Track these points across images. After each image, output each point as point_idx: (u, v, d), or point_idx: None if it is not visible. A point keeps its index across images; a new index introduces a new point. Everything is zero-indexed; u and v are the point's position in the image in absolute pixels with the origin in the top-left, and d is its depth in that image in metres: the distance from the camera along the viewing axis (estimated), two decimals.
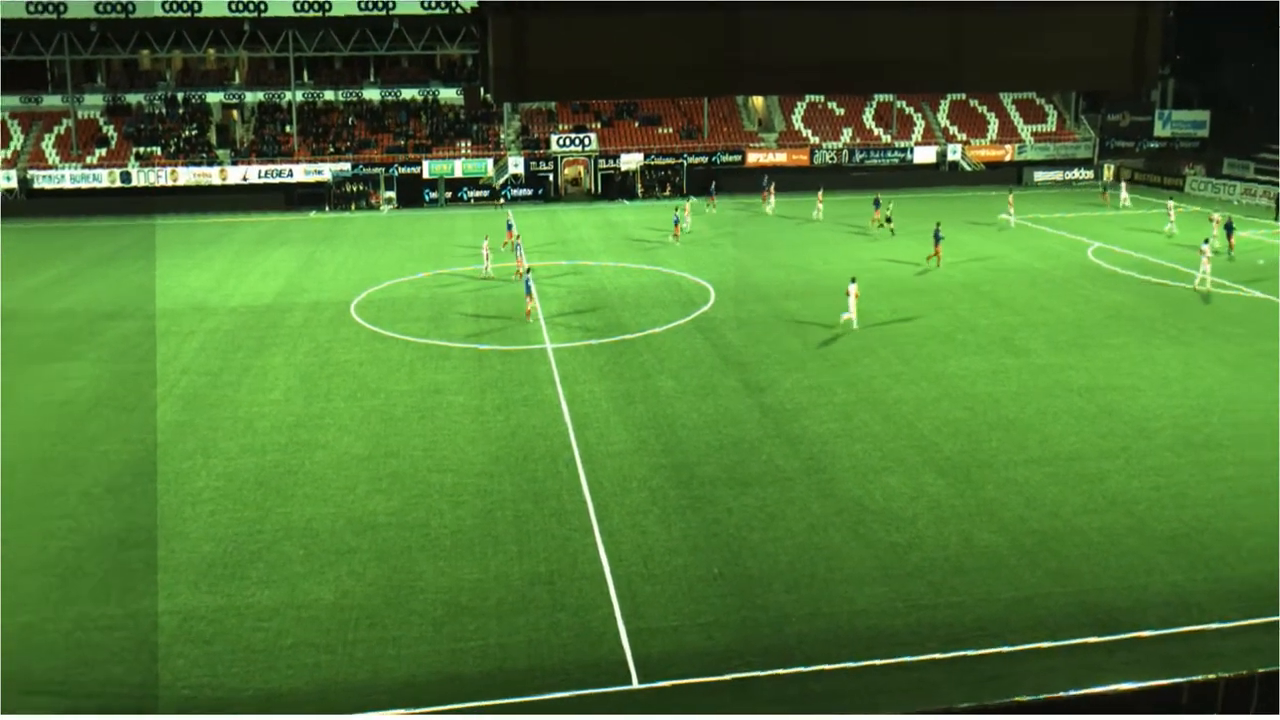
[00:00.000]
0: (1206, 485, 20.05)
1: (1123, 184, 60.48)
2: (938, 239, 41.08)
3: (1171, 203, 49.53)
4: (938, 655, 14.68)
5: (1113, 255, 42.67)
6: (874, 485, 20.23)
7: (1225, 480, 20.24)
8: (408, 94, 68.48)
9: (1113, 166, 67.84)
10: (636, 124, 67.70)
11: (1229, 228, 42.81)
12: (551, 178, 63.74)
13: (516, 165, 62.70)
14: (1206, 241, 37.45)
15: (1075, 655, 14.67)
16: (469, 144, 64.86)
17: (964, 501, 19.49)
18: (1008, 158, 68.66)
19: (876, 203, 52.17)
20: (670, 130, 67.46)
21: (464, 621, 15.67)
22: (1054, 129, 71.01)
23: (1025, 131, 70.34)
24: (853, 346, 29.58)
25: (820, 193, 54.49)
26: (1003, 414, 24.06)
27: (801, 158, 66.89)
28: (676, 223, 47.39)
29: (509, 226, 44.65)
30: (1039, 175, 67.22)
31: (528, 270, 35.08)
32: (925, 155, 67.95)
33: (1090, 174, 67.82)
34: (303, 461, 21.74)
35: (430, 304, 35.65)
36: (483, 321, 33.07)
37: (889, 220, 48.57)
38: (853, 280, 32.78)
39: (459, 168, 62.85)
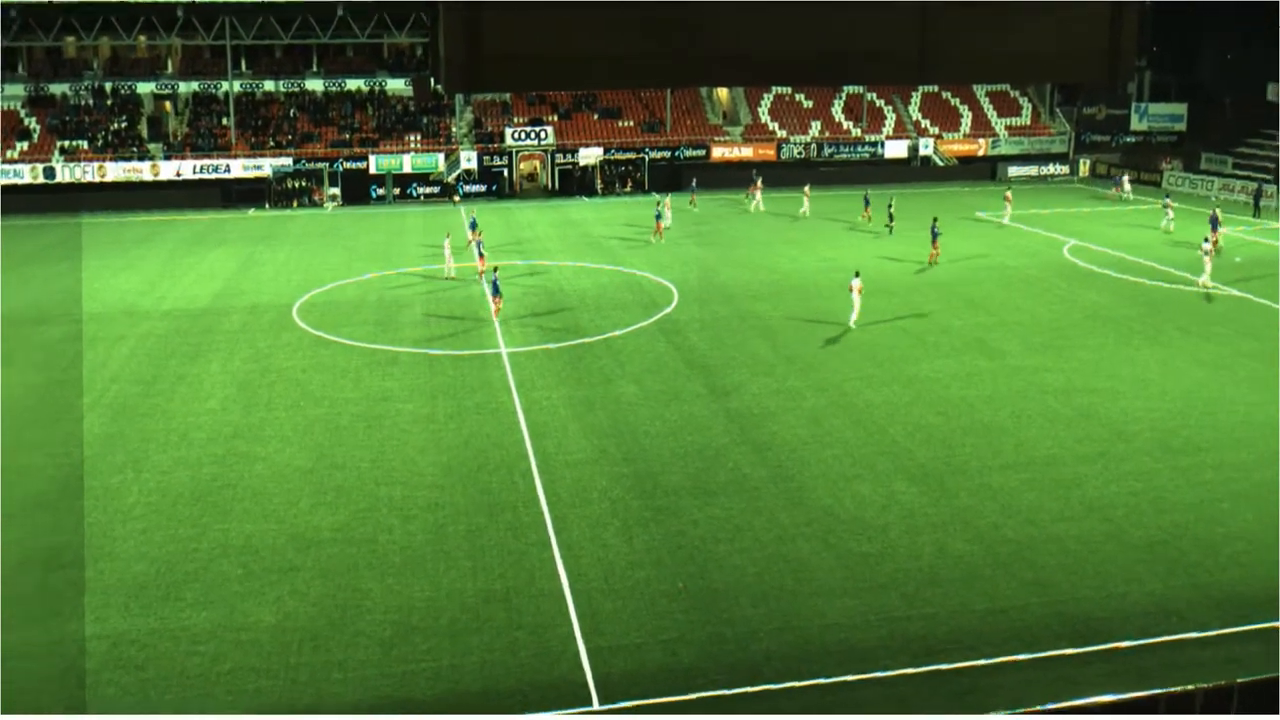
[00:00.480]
0: (1185, 490, 20.43)
1: (1125, 175, 61.63)
2: (935, 236, 41.49)
3: (1169, 199, 50.54)
4: (911, 670, 14.82)
5: (1089, 253, 43.36)
6: (844, 493, 20.38)
7: (1204, 484, 20.63)
8: (353, 84, 68.01)
9: (1093, 160, 68.91)
10: (596, 116, 67.75)
11: (1214, 221, 43.76)
12: (506, 173, 63.60)
13: (469, 160, 62.49)
14: (1207, 239, 38.28)
15: (1052, 668, 14.87)
16: (418, 138, 64.52)
17: (937, 509, 19.70)
18: (981, 152, 69.57)
19: (866, 200, 52.63)
20: (631, 123, 67.59)
21: (414, 642, 15.57)
22: (1028, 122, 72.07)
23: (999, 125, 71.32)
24: (822, 349, 29.80)
25: (807, 188, 54.92)
26: (977, 418, 24.36)
27: (768, 152, 67.30)
28: (659, 218, 47.43)
29: (472, 225, 44.71)
30: (1013, 170, 68.17)
31: (494, 269, 35.02)
32: (896, 149, 68.67)
33: (1066, 169, 68.91)
34: (241, 475, 21.50)
35: (378, 307, 35.41)
36: (434, 325, 32.90)
37: (891, 219, 48.98)
38: (856, 275, 33.21)
39: (408, 163, 62.51)
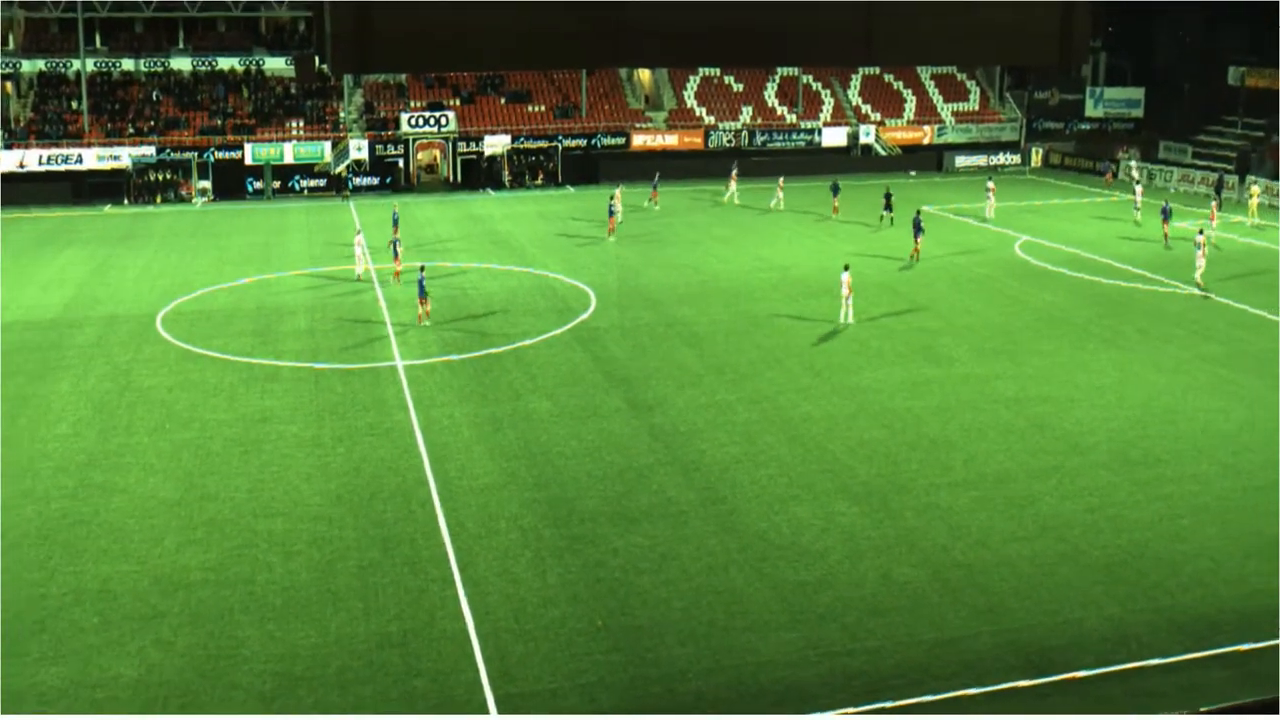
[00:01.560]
0: (1145, 505, 21.10)
1: (1133, 160, 63.73)
2: (918, 230, 42.22)
3: (1139, 188, 52.17)
4: (853, 710, 15.05)
5: (1042, 250, 44.56)
6: (780, 517, 20.63)
7: (1164, 499, 21.34)
8: (226, 64, 66.95)
9: (1046, 149, 70.79)
10: (503, 101, 67.66)
11: (1165, 213, 45.36)
12: (402, 164, 63.19)
13: (359, 150, 61.90)
14: (1202, 232, 39.52)
15: (1005, 701, 15.23)
16: (302, 124, 63.76)
17: (881, 532, 20.05)
18: (926, 140, 71.07)
19: (835, 189, 53.36)
20: (542, 108, 67.65)
21: (299, 695, 15.36)
22: (977, 108, 73.83)
23: (945, 111, 72.94)
24: (755, 358, 30.13)
25: (781, 180, 55.51)
26: (923, 432, 24.85)
27: (695, 140, 67.88)
28: (612, 214, 47.52)
29: (394, 221, 44.57)
30: (960, 160, 69.73)
31: (421, 269, 34.93)
32: (835, 137, 69.79)
33: (1017, 158, 70.68)
34: (97, 509, 20.98)
35: (256, 315, 34.89)
36: (321, 335, 32.53)
37: (888, 208, 49.63)
38: (845, 269, 33.95)
39: (289, 152, 61.73)
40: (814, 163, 66.04)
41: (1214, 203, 46.34)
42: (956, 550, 19.39)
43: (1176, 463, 23.14)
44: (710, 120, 69.35)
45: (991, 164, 69.77)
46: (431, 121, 63.62)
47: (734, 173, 58.46)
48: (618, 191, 51.67)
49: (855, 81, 73.55)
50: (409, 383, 28.14)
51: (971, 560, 19.04)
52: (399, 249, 39.85)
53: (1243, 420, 25.47)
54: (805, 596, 17.87)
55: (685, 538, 19.81)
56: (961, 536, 19.89)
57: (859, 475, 22.53)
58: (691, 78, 71.46)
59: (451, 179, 64.41)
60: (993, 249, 44.71)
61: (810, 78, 72.49)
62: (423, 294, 33.32)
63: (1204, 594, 17.98)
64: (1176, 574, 18.56)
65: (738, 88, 71.64)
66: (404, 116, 63.53)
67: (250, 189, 60.57)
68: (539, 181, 63.85)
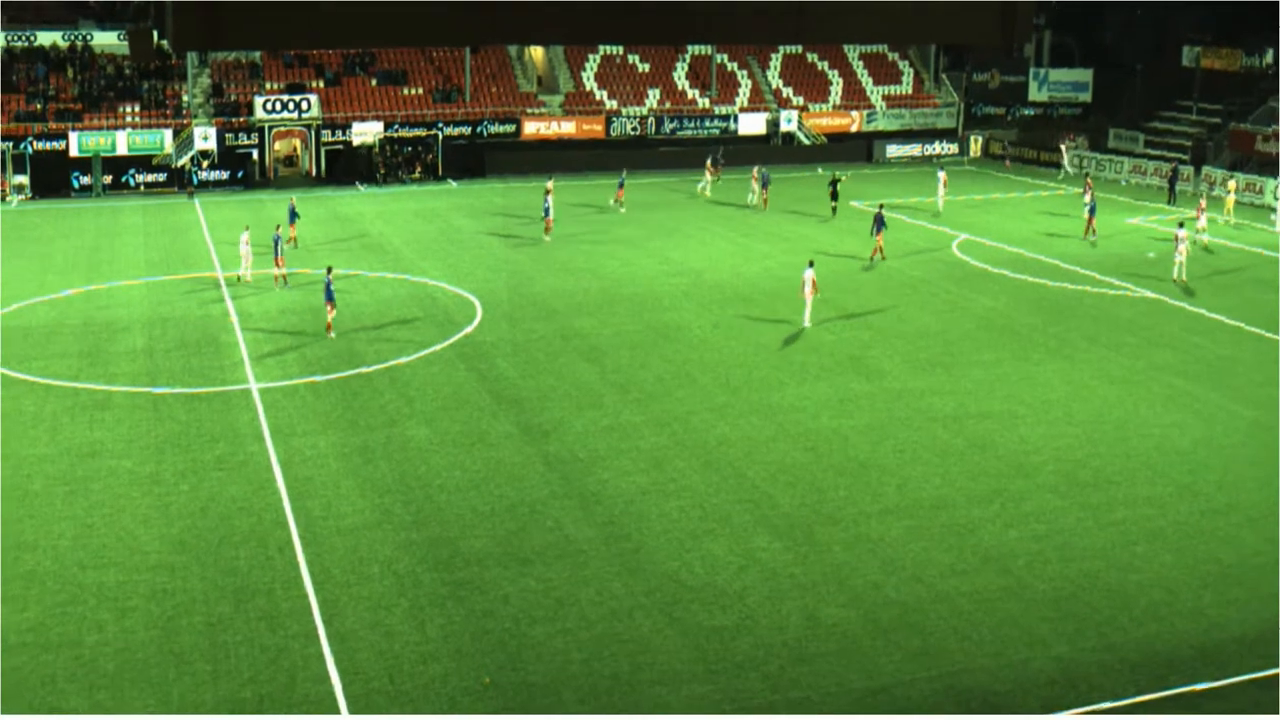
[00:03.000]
0: (1095, 532, 21.75)
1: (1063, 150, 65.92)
2: (880, 226, 43.17)
3: (1089, 179, 53.80)
4: None
5: (982, 249, 45.67)
6: (692, 554, 20.81)
7: (1115, 524, 22.02)
8: (47, 38, 65.52)
9: (986, 137, 72.55)
10: (374, 82, 67.25)
11: (1091, 209, 47.53)
12: (256, 155, 62.42)
13: (206, 139, 61.00)
14: (1182, 225, 41.20)
15: None
16: (138, 110, 62.64)
17: (805, 569, 20.34)
18: (854, 127, 72.39)
19: (765, 180, 54.35)
20: (420, 91, 67.40)
21: None
22: (910, 91, 75.43)
23: (875, 95, 74.38)
24: (662, 374, 30.37)
25: (755, 170, 56.49)
26: (852, 454, 25.28)
27: (595, 128, 68.22)
28: (547, 213, 47.50)
29: (292, 216, 44.57)
30: (892, 150, 71.12)
31: (329, 271, 34.84)
32: (753, 124, 70.72)
33: (954, 148, 72.33)
34: None
35: (83, 332, 34.16)
36: (161, 355, 31.98)
37: (834, 197, 51.59)
38: (810, 264, 34.89)
39: (123, 142, 60.59)
40: (730, 153, 66.60)
41: (1201, 202, 47.72)
42: (889, 587, 19.74)
43: (1129, 484, 23.88)
44: (612, 105, 69.76)
45: (926, 154, 71.26)
46: (291, 106, 62.94)
47: (709, 162, 59.32)
48: (549, 185, 52.19)
49: (775, 61, 74.64)
50: (265, 409, 27.79)
51: (906, 598, 19.41)
52: (283, 248, 39.82)
53: (1199, 436, 26.39)
54: (721, 643, 18.05)
55: (585, 580, 19.86)
56: (894, 571, 20.26)
57: (780, 505, 22.83)
58: (591, 56, 71.85)
59: (314, 172, 63.76)
60: (928, 249, 45.68)
61: (725, 57, 73.38)
62: (330, 299, 33.46)
63: (1159, 629, 18.58)
64: (1129, 608, 19.15)
65: (643, 68, 72.22)
66: (258, 101, 62.75)
67: (76, 185, 59.22)
68: (416, 175, 63.55)
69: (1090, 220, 47.55)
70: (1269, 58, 66.48)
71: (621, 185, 54.84)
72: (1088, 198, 49.50)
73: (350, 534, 21.50)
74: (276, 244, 39.70)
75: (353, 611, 18.84)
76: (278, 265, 39.47)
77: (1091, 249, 45.84)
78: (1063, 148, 66.71)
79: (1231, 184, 53.93)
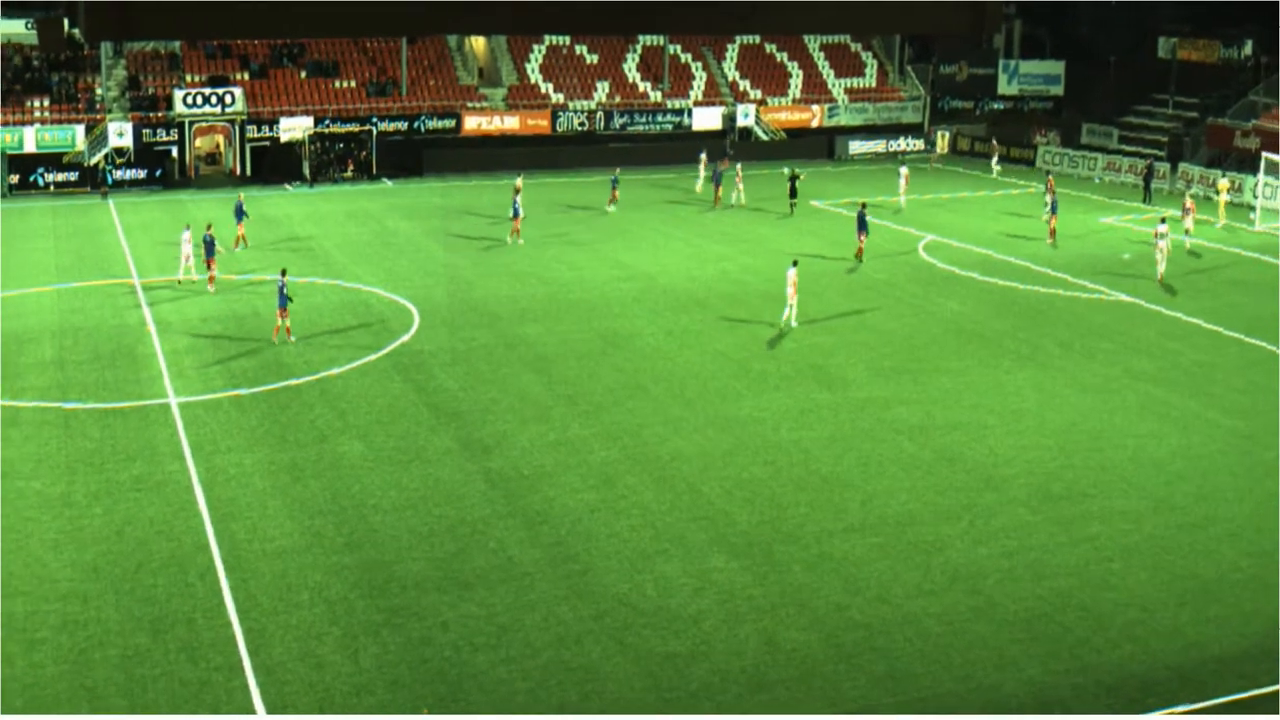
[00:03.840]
0: (1068, 548, 22.00)
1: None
2: (863, 226, 43.69)
3: (1051, 177, 54.39)
4: None
5: (949, 251, 46.08)
6: (644, 576, 20.86)
7: (1090, 540, 22.29)
8: None
9: (954, 132, 73.20)
10: (303, 75, 66.93)
11: (1053, 208, 47.90)
12: (176, 153, 61.91)
13: (121, 135, 60.44)
14: (1164, 221, 41.92)
15: None
16: (47, 104, 61.96)
17: (765, 590, 20.43)
18: (815, 122, 72.83)
19: (717, 179, 54.86)
20: (352, 84, 67.15)
21: None
22: (874, 84, 76.02)
23: (837, 88, 74.90)
24: (612, 385, 30.41)
25: (739, 167, 56.76)
26: (814, 469, 25.43)
27: (540, 122, 68.21)
28: (515, 214, 47.38)
29: (239, 214, 45.12)
30: (855, 146, 71.55)
31: (283, 273, 34.93)
32: (708, 119, 70.96)
33: (920, 144, 72.92)
34: None
35: None
36: (72, 369, 31.67)
37: (793, 194, 52.33)
38: (794, 264, 35.56)
39: (30, 139, 59.93)
40: (685, 149, 66.50)
41: (1187, 201, 48.01)
42: (853, 608, 19.87)
43: (1104, 497, 24.17)
44: (558, 99, 69.78)
45: (891, 150, 71.69)
46: (213, 100, 62.50)
47: (703, 157, 59.42)
48: (518, 183, 52.71)
49: (732, 52, 74.98)
50: (186, 425, 27.59)
51: (870, 619, 19.54)
52: (214, 250, 39.93)
53: (1176, 446, 26.77)
54: (675, 670, 18.09)
55: (530, 605, 19.86)
56: (858, 592, 20.39)
57: (738, 523, 22.91)
58: (536, 47, 71.85)
59: (239, 171, 63.31)
60: (893, 250, 46.01)
61: (679, 48, 73.61)
62: (283, 305, 33.66)
63: (1135, 649, 18.82)
64: (1104, 628, 19.38)
65: (591, 59, 72.32)
66: (178, 94, 62.26)
67: None
68: (349, 174, 63.23)
69: (1051, 221, 47.76)
70: (1248, 49, 67.60)
71: (615, 185, 55.22)
72: (1049, 197, 50.14)
73: (278, 558, 21.38)
74: (209, 245, 39.68)
75: (280, 641, 18.73)
76: (209, 267, 39.54)
77: (1063, 250, 46.32)
78: (993, 142, 67.21)
79: (1223, 184, 54.03)
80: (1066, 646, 18.85)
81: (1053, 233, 47.66)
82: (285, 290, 33.82)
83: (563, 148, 66.63)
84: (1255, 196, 53.21)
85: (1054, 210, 48.14)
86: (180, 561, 21.27)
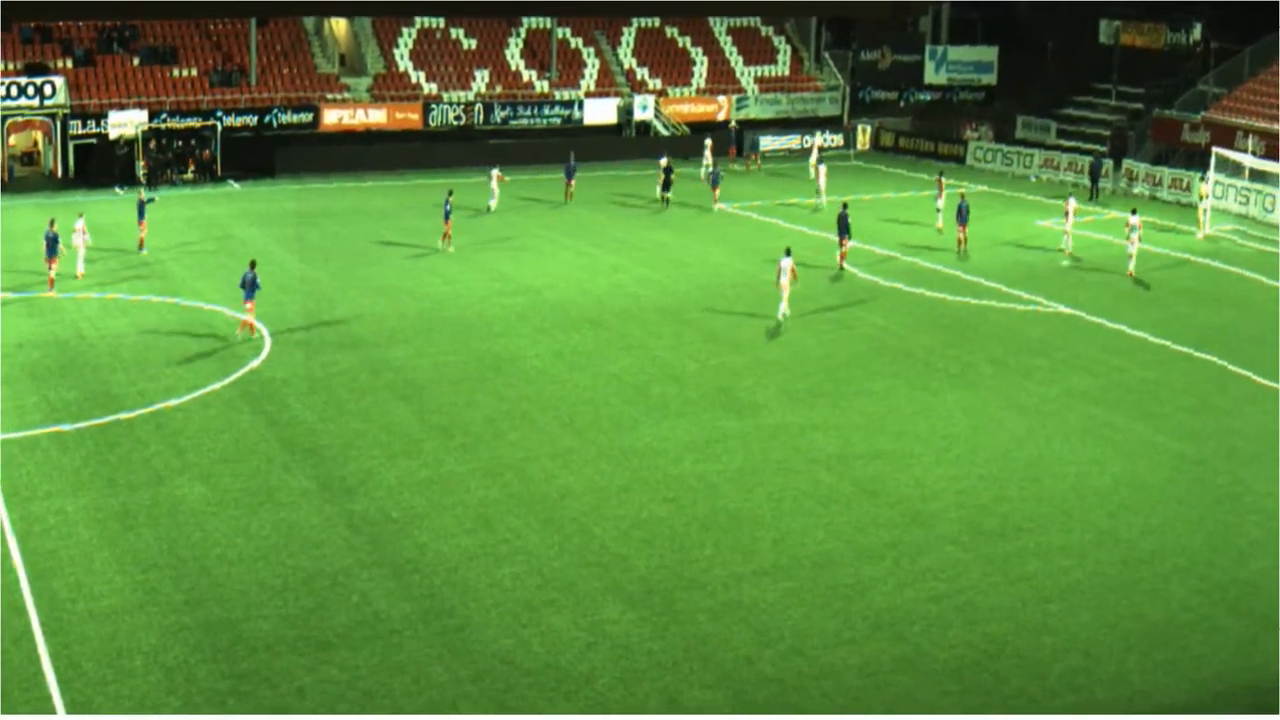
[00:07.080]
0: (1003, 589, 22.38)
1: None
2: (844, 230, 44.42)
3: (941, 177, 55.23)
4: None
5: (871, 259, 46.69)
6: (529, 631, 20.84)
7: (1027, 579, 22.70)
8: None
9: (876, 126, 74.24)
10: (136, 62, 66.07)
11: (961, 211, 47.72)
12: None
13: None
14: (1135, 212, 43.97)
15: None
16: None
17: (665, 644, 20.51)
18: (722, 114, 73.45)
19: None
20: (193, 73, 66.45)
21: None
22: (787, 73, 76.92)
23: (746, 77, 75.64)
24: (492, 414, 30.37)
25: (708, 148, 57.57)
26: (720, 505, 25.60)
27: (410, 116, 68.02)
28: (447, 216, 47.26)
29: (141, 212, 46.30)
30: (766, 142, 72.08)
31: (252, 265, 36.00)
32: (601, 112, 71.27)
33: (839, 139, 73.76)
34: None
35: None
36: None
37: (666, 186, 54.58)
38: (787, 253, 37.04)
39: None
40: (575, 146, 66.55)
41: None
42: (764, 661, 20.02)
43: (1042, 531, 24.63)
44: (431, 89, 69.62)
45: (806, 146, 72.12)
46: (30, 91, 61.49)
47: (663, 162, 59.19)
48: (497, 173, 54.62)
49: (628, 37, 75.37)
50: None
51: (784, 673, 19.70)
52: (55, 252, 40.68)
53: (1120, 473, 27.39)
54: None
55: (399, 666, 19.75)
56: (771, 643, 20.55)
57: (635, 568, 22.99)
58: (405, 30, 71.60)
59: (60, 173, 62.34)
60: (809, 259, 46.45)
61: (568, 31, 73.81)
62: (250, 295, 35.82)
63: (1076, 700, 19.19)
64: (1042, 676, 19.74)
65: (469, 44, 72.27)
66: None
67: None
68: (189, 175, 62.53)
69: (962, 229, 47.97)
70: (1196, 33, 69.38)
71: (571, 176, 56.87)
72: (940, 201, 50.92)
73: (106, 619, 21.01)
74: (52, 244, 40.46)
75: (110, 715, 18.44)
76: (49, 266, 40.41)
77: (996, 258, 47.15)
78: (814, 141, 68.68)
79: (1203, 188, 54.11)
80: (1001, 699, 19.15)
81: (961, 242, 48.07)
82: (256, 280, 35.84)
83: (436, 145, 66.48)
84: (1201, 199, 53.84)
85: (963, 220, 47.64)
86: None
